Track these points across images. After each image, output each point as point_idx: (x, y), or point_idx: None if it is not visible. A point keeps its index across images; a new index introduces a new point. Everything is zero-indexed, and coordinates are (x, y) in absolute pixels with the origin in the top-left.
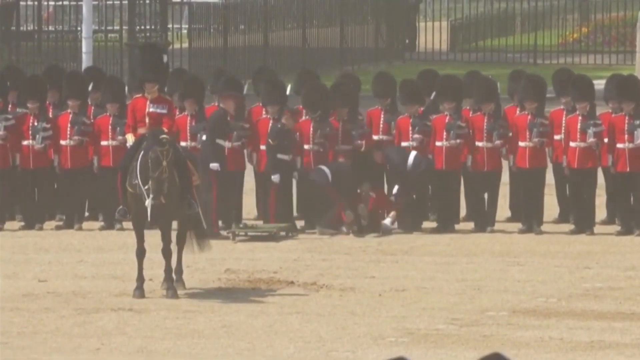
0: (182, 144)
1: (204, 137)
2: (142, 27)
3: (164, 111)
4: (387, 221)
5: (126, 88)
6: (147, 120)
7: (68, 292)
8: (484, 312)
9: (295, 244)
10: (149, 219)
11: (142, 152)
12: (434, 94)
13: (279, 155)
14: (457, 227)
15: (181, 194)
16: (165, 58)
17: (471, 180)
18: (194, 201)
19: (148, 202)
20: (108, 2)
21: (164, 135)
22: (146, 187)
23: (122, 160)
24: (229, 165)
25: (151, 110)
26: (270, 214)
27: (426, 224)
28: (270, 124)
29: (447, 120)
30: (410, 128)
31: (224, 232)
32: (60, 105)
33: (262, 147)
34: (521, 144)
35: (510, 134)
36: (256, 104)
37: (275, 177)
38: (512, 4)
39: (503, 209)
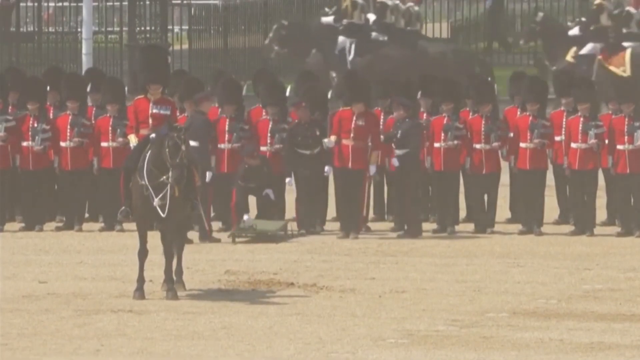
0: None
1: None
2: (142, 29)
3: (168, 112)
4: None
5: (126, 89)
6: (150, 121)
7: (68, 294)
8: (484, 314)
9: (295, 245)
10: (163, 214)
11: (149, 152)
12: (419, 93)
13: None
14: (457, 228)
15: (185, 194)
16: (169, 59)
17: (470, 181)
18: (197, 201)
19: (156, 202)
20: (108, 4)
21: (177, 124)
22: (159, 181)
23: (126, 160)
24: (229, 167)
25: (155, 111)
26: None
27: (426, 226)
28: (270, 126)
29: (445, 122)
30: None
31: (223, 234)
32: (60, 106)
33: (262, 148)
34: (522, 145)
35: (511, 135)
36: (256, 105)
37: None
38: (512, 5)
39: (503, 210)
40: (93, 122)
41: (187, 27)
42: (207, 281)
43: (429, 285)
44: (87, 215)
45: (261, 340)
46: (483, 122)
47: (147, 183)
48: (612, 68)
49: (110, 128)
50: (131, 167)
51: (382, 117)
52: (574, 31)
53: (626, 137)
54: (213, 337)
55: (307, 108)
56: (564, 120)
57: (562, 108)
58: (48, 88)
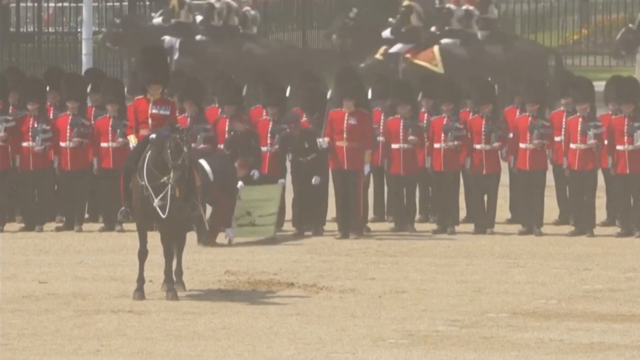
0: None
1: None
2: None
3: (167, 112)
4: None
5: (125, 89)
6: (150, 121)
7: (68, 294)
8: (484, 314)
9: (295, 245)
10: (163, 215)
11: (149, 152)
12: (420, 94)
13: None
14: (457, 228)
15: (185, 195)
16: (168, 60)
17: (470, 182)
18: (197, 202)
19: (156, 203)
20: (108, 4)
21: (178, 125)
22: (159, 182)
23: (126, 161)
24: None
25: (154, 111)
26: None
27: (426, 226)
28: (270, 127)
29: (445, 122)
30: (401, 129)
31: (222, 235)
32: (60, 106)
33: (263, 149)
34: (522, 145)
35: (510, 135)
36: (256, 106)
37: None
38: (512, 6)
39: (503, 211)
40: (92, 122)
41: None
42: (207, 281)
43: (429, 285)
44: (87, 215)
45: (261, 340)
46: (483, 122)
47: (147, 184)
48: (420, 62)
49: (110, 128)
50: (131, 168)
51: (382, 117)
52: (386, 33)
53: (626, 138)
54: (213, 337)
55: (297, 121)
56: (564, 120)
57: (562, 108)
58: (48, 88)
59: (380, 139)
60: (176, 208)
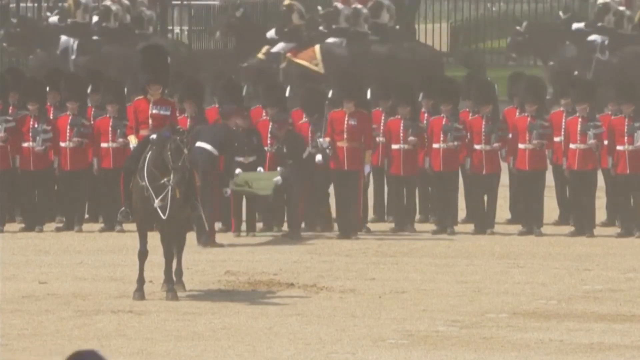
0: None
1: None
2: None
3: (167, 113)
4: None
5: (125, 89)
6: (150, 122)
7: (68, 294)
8: (484, 314)
9: (295, 245)
10: (164, 216)
11: (149, 152)
12: (421, 95)
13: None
14: (456, 229)
15: (185, 196)
16: (169, 60)
17: (470, 182)
18: (197, 203)
19: (157, 203)
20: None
21: (179, 126)
22: (160, 183)
23: (126, 161)
24: None
25: (154, 112)
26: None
27: (426, 226)
28: (270, 127)
29: (444, 123)
30: (401, 130)
31: (222, 235)
32: (60, 107)
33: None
34: (521, 145)
35: (510, 136)
36: (256, 106)
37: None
38: (512, 6)
39: (503, 211)
40: (92, 122)
41: (187, 28)
42: (207, 282)
43: (429, 285)
44: (87, 215)
45: (261, 340)
46: (483, 122)
47: (147, 184)
48: (300, 62)
49: (110, 128)
50: (131, 168)
51: (382, 118)
52: (271, 34)
53: (626, 138)
54: (213, 337)
55: (283, 123)
56: (563, 120)
57: (561, 109)
58: (48, 88)
59: (381, 139)
60: (176, 209)
